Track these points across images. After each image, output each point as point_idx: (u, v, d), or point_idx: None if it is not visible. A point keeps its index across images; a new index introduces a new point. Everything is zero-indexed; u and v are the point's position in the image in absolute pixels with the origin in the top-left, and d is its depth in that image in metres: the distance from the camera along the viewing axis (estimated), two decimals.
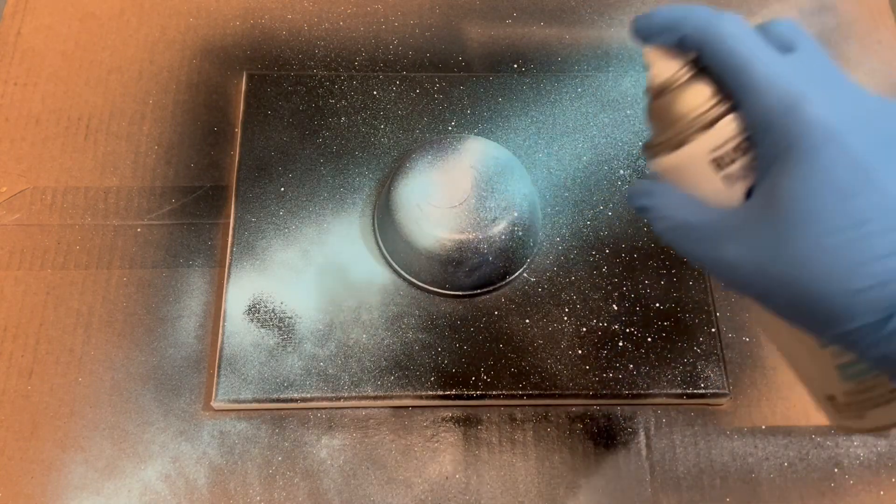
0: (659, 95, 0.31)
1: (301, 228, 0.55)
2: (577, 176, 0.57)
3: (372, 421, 0.50)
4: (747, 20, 0.29)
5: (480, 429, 0.50)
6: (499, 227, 0.51)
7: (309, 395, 0.49)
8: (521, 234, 0.52)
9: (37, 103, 0.59)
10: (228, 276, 0.53)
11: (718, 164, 0.29)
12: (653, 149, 0.31)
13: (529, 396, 0.50)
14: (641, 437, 0.50)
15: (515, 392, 0.50)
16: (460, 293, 0.53)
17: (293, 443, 0.49)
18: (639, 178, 0.33)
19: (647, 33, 0.31)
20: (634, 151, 0.58)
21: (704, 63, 0.29)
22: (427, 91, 0.60)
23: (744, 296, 0.29)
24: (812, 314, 0.27)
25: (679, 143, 0.30)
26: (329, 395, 0.50)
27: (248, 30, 0.63)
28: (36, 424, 0.49)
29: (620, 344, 0.52)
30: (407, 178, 0.52)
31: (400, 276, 0.53)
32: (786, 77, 0.27)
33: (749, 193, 0.29)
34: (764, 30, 0.29)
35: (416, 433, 0.50)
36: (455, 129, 0.58)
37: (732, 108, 0.29)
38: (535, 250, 0.54)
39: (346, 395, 0.50)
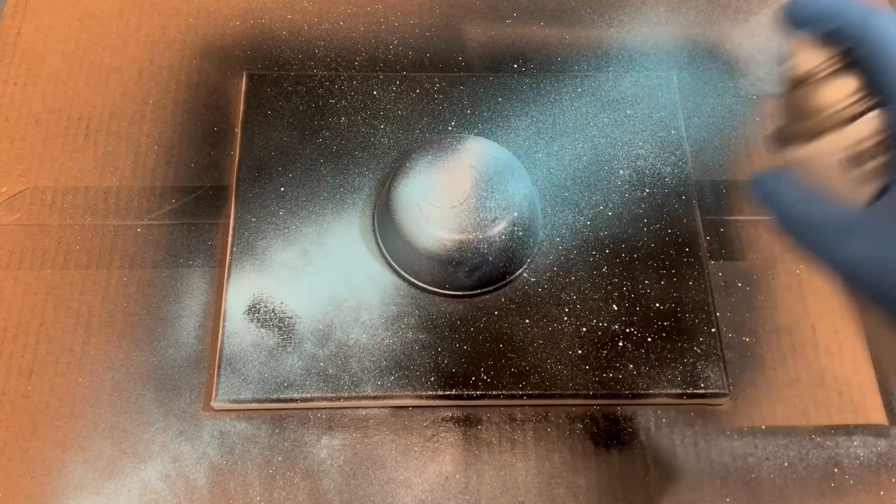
0: (800, 85, 0.30)
1: (301, 228, 0.55)
2: (577, 176, 0.57)
3: (372, 421, 0.50)
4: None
5: (480, 429, 0.50)
6: (499, 227, 0.51)
7: (309, 395, 0.49)
8: (521, 234, 0.52)
9: (37, 103, 0.59)
10: (228, 276, 0.53)
11: (853, 161, 0.29)
12: (785, 138, 0.31)
13: (529, 396, 0.50)
14: (641, 438, 0.50)
15: (515, 392, 0.50)
16: (460, 293, 0.53)
17: (293, 443, 0.49)
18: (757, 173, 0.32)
19: (800, 20, 0.30)
20: (634, 151, 0.58)
21: (855, 57, 0.29)
22: (427, 91, 0.60)
23: (862, 297, 0.29)
24: None
25: (815, 135, 0.29)
26: (329, 395, 0.50)
27: (248, 30, 0.64)
28: (36, 424, 0.49)
29: (620, 344, 0.52)
30: (407, 178, 0.52)
31: (400, 276, 0.53)
32: None
33: (879, 195, 0.28)
34: None
35: (415, 433, 0.50)
36: (455, 129, 0.58)
37: (875, 107, 0.28)
38: (535, 250, 0.54)
39: (346, 395, 0.50)
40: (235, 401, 0.49)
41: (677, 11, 0.66)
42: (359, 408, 0.51)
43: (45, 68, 0.61)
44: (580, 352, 0.51)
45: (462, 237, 0.50)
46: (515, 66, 0.63)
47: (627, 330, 0.52)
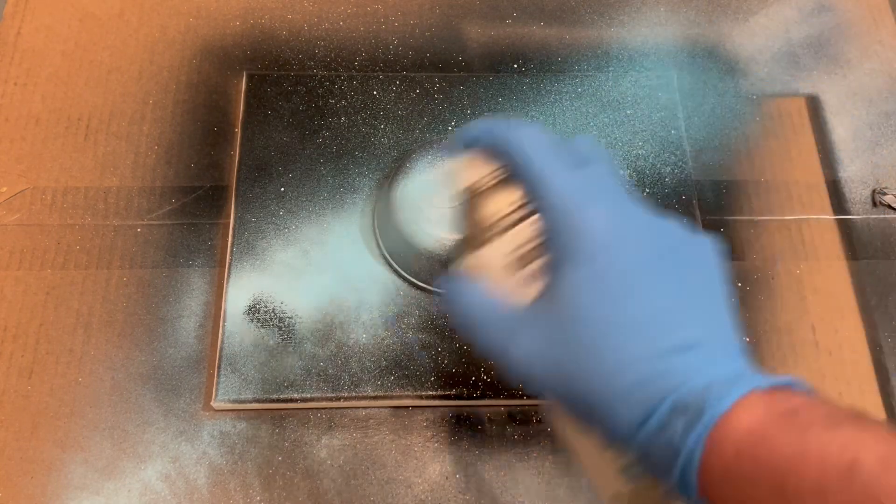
0: (469, 198, 0.33)
1: (301, 228, 0.54)
2: None
3: (372, 421, 0.50)
4: (547, 132, 0.32)
5: (480, 429, 0.50)
6: None
7: (309, 395, 0.49)
8: None
9: (37, 103, 0.59)
10: (228, 277, 0.53)
11: (517, 264, 0.31)
12: (464, 245, 0.33)
13: (529, 396, 0.50)
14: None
15: (516, 392, 0.50)
16: None
17: (293, 443, 0.49)
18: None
19: (466, 142, 0.33)
20: (634, 151, 0.58)
21: (510, 170, 0.32)
22: (427, 91, 0.60)
23: (539, 392, 0.30)
24: (585, 409, 0.29)
25: (482, 243, 0.32)
26: (329, 395, 0.50)
27: (248, 30, 0.63)
28: (36, 424, 0.49)
29: None
30: (407, 178, 0.52)
31: (400, 276, 0.53)
32: (571, 190, 0.30)
33: (541, 291, 0.31)
34: (567, 143, 0.32)
35: (416, 433, 0.50)
36: (455, 129, 0.58)
37: (532, 214, 0.31)
38: None
39: (346, 395, 0.50)
40: (235, 401, 0.49)
41: (677, 11, 0.66)
42: (359, 408, 0.51)
43: (45, 68, 0.61)
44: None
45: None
46: (515, 66, 0.63)
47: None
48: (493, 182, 0.32)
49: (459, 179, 0.33)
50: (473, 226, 0.32)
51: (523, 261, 0.31)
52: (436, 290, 0.53)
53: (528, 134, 0.31)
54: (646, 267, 0.29)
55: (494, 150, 0.32)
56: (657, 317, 0.28)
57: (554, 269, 0.30)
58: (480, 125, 0.33)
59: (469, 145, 0.34)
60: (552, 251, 0.30)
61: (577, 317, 0.28)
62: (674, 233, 0.31)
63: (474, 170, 0.33)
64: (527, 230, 0.31)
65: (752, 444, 0.25)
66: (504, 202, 0.32)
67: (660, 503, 0.32)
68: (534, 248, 0.31)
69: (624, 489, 0.32)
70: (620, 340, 0.28)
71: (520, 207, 0.31)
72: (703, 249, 0.31)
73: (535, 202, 0.31)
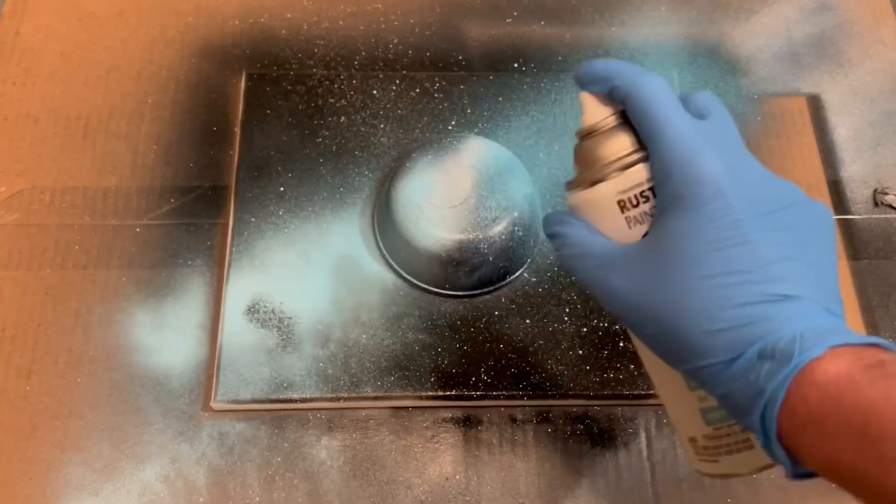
0: (585, 138, 0.34)
1: (301, 228, 0.54)
2: None
3: (372, 421, 0.50)
4: (666, 80, 0.32)
5: (481, 429, 0.50)
6: (499, 227, 0.50)
7: (309, 396, 0.49)
8: (521, 234, 0.51)
9: (35, 103, 0.59)
10: (228, 277, 0.52)
11: (624, 205, 0.32)
12: (571, 184, 0.34)
13: (530, 397, 0.50)
14: (642, 438, 0.50)
15: (516, 392, 0.50)
16: (460, 293, 0.53)
17: (293, 443, 0.49)
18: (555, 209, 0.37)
19: (583, 81, 0.34)
20: None
21: (628, 114, 0.33)
22: (427, 90, 0.60)
23: (623, 323, 0.31)
24: (674, 347, 0.30)
25: (594, 182, 0.33)
26: (329, 395, 0.49)
27: (247, 29, 0.63)
28: (35, 425, 0.49)
29: (621, 344, 0.51)
30: (407, 178, 0.52)
31: (400, 276, 0.53)
32: (690, 137, 0.30)
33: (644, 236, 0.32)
34: (686, 96, 0.33)
35: (416, 434, 0.50)
36: (455, 129, 0.58)
37: (645, 159, 0.32)
38: (535, 250, 0.54)
39: (346, 395, 0.49)
40: (235, 401, 0.49)
41: (678, 10, 0.66)
42: (359, 408, 0.50)
43: (44, 68, 0.61)
44: (581, 352, 0.51)
45: (462, 237, 0.50)
46: (516, 65, 0.63)
47: (628, 330, 0.52)
48: (611, 125, 0.33)
49: (582, 119, 0.34)
50: (587, 165, 0.34)
51: (630, 203, 0.32)
52: (436, 290, 0.53)
53: (652, 81, 0.32)
54: (757, 218, 0.29)
55: (615, 93, 0.33)
56: (762, 266, 0.29)
57: (662, 212, 0.31)
58: (601, 66, 0.33)
59: (587, 85, 0.34)
60: (660, 195, 0.31)
61: (681, 257, 0.29)
62: (790, 191, 0.32)
63: (594, 109, 0.34)
64: (637, 174, 0.32)
65: (837, 390, 0.26)
66: (619, 145, 0.33)
67: (730, 449, 0.33)
68: (641, 193, 0.32)
69: (701, 431, 0.34)
70: (721, 283, 0.29)
71: (633, 152, 0.32)
72: (819, 213, 0.32)
73: (650, 146, 0.31)
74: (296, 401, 0.49)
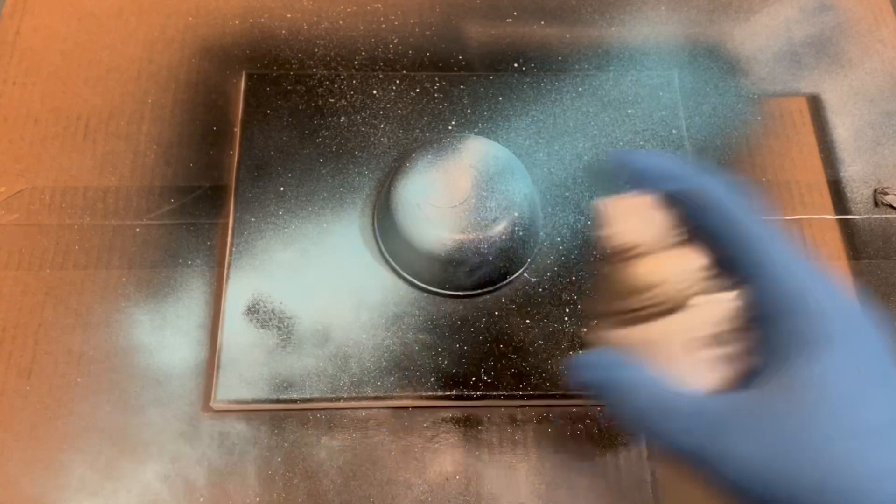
0: (630, 256, 0.26)
1: (301, 228, 0.54)
2: (577, 176, 0.57)
3: (372, 422, 0.50)
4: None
5: (481, 430, 0.50)
6: (499, 227, 0.50)
7: (309, 396, 0.49)
8: (521, 234, 0.51)
9: (35, 103, 0.59)
10: (228, 277, 0.52)
11: (706, 343, 0.25)
12: (619, 316, 0.26)
13: (530, 397, 0.50)
14: (642, 438, 0.50)
15: (516, 393, 0.50)
16: (460, 293, 0.53)
17: (293, 443, 0.49)
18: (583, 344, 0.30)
19: (629, 179, 0.26)
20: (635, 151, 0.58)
21: (697, 227, 0.25)
22: (427, 90, 0.60)
23: (741, 499, 0.24)
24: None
25: (650, 317, 0.25)
26: (329, 395, 0.49)
27: (247, 29, 0.63)
28: (34, 425, 0.49)
29: None
30: (407, 178, 0.52)
31: (400, 276, 0.53)
32: (801, 267, 0.25)
33: (743, 382, 0.25)
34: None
35: (416, 434, 0.50)
36: (455, 129, 0.58)
37: (730, 286, 0.25)
38: (535, 250, 0.54)
39: (346, 395, 0.49)
40: (235, 401, 0.49)
41: (678, 10, 0.66)
42: (359, 408, 0.50)
43: (44, 68, 0.61)
44: (581, 352, 0.51)
45: (462, 237, 0.50)
46: (516, 65, 0.63)
47: None
48: (670, 243, 0.25)
49: (615, 230, 0.26)
50: (642, 291, 0.26)
51: (721, 339, 0.25)
52: (436, 290, 0.53)
53: (728, 189, 0.25)
54: (889, 361, 0.24)
55: (675, 199, 0.25)
56: None
57: (779, 353, 0.24)
58: (655, 161, 0.26)
59: (634, 183, 0.26)
60: (775, 333, 0.25)
61: (825, 408, 0.23)
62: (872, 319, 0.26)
63: (639, 219, 0.26)
64: (730, 303, 0.25)
65: None
66: (692, 265, 0.25)
67: None
68: (733, 328, 0.25)
69: None
70: (878, 445, 0.23)
71: (716, 274, 0.25)
72: None
73: (743, 273, 0.25)
74: (296, 401, 0.49)
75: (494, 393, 0.50)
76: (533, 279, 0.54)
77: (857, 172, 0.60)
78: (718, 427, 0.24)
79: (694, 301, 0.25)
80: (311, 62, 0.62)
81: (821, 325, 0.24)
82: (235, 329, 0.51)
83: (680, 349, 0.25)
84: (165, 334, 0.52)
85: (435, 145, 0.53)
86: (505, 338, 0.52)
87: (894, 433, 0.23)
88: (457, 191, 0.51)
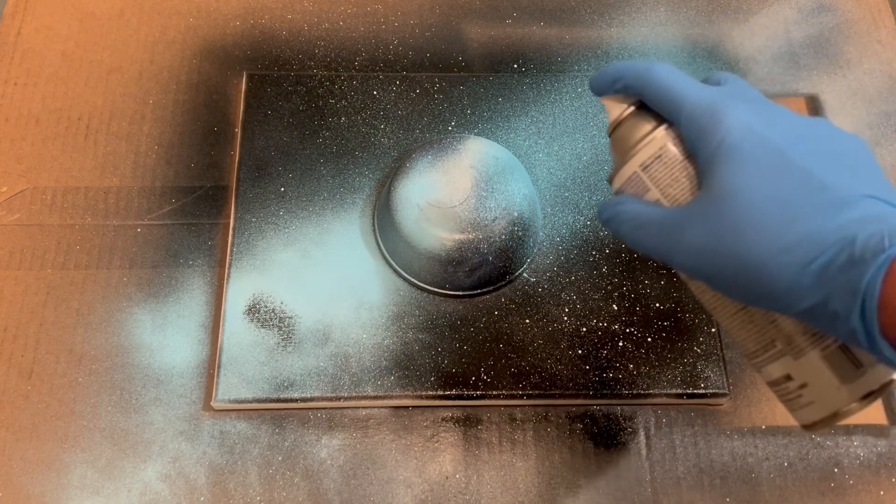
0: (613, 133, 0.37)
1: (301, 228, 0.55)
2: (577, 176, 0.57)
3: (372, 421, 0.50)
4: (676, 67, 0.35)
5: (480, 429, 0.50)
6: (499, 227, 0.51)
7: (309, 395, 0.49)
8: (521, 233, 0.52)
9: (37, 103, 0.59)
10: (228, 276, 0.53)
11: (661, 173, 0.34)
12: (612, 174, 0.37)
13: (529, 396, 0.50)
14: (641, 437, 0.51)
15: (515, 392, 0.50)
16: (460, 293, 0.53)
17: (293, 443, 0.49)
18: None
19: (598, 87, 0.37)
20: None
21: (646, 101, 0.35)
22: (427, 91, 0.60)
23: (698, 280, 0.33)
24: (754, 280, 0.30)
25: (626, 161, 0.36)
26: (329, 395, 0.50)
27: (248, 30, 0.63)
28: (36, 424, 0.49)
29: (620, 344, 0.52)
30: (407, 178, 0.52)
31: (400, 276, 0.53)
32: (711, 96, 0.33)
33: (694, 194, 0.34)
34: (704, 79, 0.36)
35: (416, 433, 0.50)
36: (455, 129, 0.58)
37: (669, 127, 0.35)
38: (535, 250, 0.54)
39: (346, 395, 0.50)
40: (235, 401, 0.49)
41: (677, 11, 0.66)
42: (359, 408, 0.51)
43: (45, 68, 0.61)
44: (580, 352, 0.51)
45: (462, 237, 0.50)
46: (515, 65, 0.63)
47: (627, 330, 0.52)
48: (630, 112, 0.36)
49: (608, 118, 0.37)
50: (620, 152, 0.36)
51: (668, 167, 0.34)
52: (436, 290, 0.53)
53: (660, 67, 0.34)
54: (797, 147, 0.31)
55: (629, 89, 0.35)
56: (818, 182, 0.30)
57: (706, 169, 0.32)
58: (610, 70, 0.36)
59: (603, 90, 0.36)
60: (700, 153, 0.32)
61: (738, 198, 0.30)
62: (821, 125, 0.33)
63: (614, 107, 0.37)
64: (665, 139, 0.34)
65: None
66: (642, 123, 0.35)
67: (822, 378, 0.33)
68: (676, 156, 0.34)
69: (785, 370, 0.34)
70: (782, 205, 0.30)
71: (657, 124, 0.35)
72: (853, 139, 0.33)
73: (676, 118, 0.33)
74: (296, 400, 0.50)
75: (494, 392, 0.50)
76: (532, 279, 0.54)
77: None
78: (671, 228, 0.33)
79: (647, 143, 0.35)
80: (312, 63, 0.62)
81: (723, 138, 0.31)
82: (236, 329, 0.51)
83: (646, 182, 0.35)
84: (166, 334, 0.52)
85: (435, 145, 0.53)
86: (504, 337, 0.52)
87: (791, 201, 0.30)
88: (457, 191, 0.51)
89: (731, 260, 0.30)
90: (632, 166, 0.35)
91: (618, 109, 0.36)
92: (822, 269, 0.28)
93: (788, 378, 0.34)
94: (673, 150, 0.34)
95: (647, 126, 0.35)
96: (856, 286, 0.27)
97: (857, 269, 0.27)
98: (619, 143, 0.36)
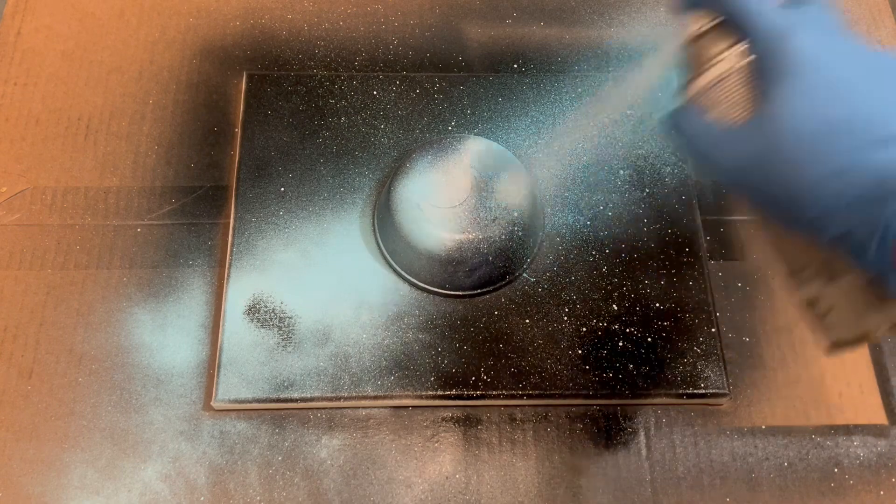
0: (690, 45, 0.37)
1: (301, 228, 0.55)
2: (577, 176, 0.57)
3: (372, 421, 0.50)
4: None
5: (480, 429, 0.50)
6: (499, 227, 0.51)
7: (309, 395, 0.49)
8: (521, 234, 0.52)
9: (37, 103, 0.59)
10: (228, 276, 0.53)
11: (728, 89, 0.35)
12: (686, 81, 0.38)
13: (529, 396, 0.50)
14: (641, 437, 0.51)
15: (515, 392, 0.50)
16: (460, 293, 0.53)
17: (293, 443, 0.49)
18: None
19: (685, 4, 0.37)
20: (635, 151, 0.58)
21: (726, 19, 0.36)
22: (427, 91, 0.60)
23: (740, 194, 0.35)
24: (794, 199, 0.31)
25: (699, 75, 0.36)
26: (329, 395, 0.50)
27: (248, 30, 0.64)
28: (36, 424, 0.49)
29: (620, 344, 0.52)
30: (407, 178, 0.52)
31: (400, 276, 0.53)
32: (783, 18, 0.33)
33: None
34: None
35: (416, 433, 0.50)
36: (455, 129, 0.58)
37: (741, 47, 0.35)
38: (535, 250, 0.54)
39: (346, 395, 0.50)
40: (235, 401, 0.49)
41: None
42: (359, 408, 0.51)
43: (45, 68, 0.61)
44: (580, 352, 0.51)
45: (462, 237, 0.50)
46: (515, 65, 0.63)
47: (627, 330, 0.52)
48: (709, 26, 0.36)
49: (687, 32, 0.38)
50: (695, 64, 0.37)
51: (735, 86, 0.35)
52: (436, 290, 0.53)
53: None
54: (854, 79, 0.31)
55: (712, 4, 0.36)
56: (865, 117, 0.30)
57: (765, 86, 0.33)
58: None
59: (689, 7, 0.37)
60: (762, 71, 0.33)
61: (785, 124, 0.31)
62: (885, 56, 0.33)
63: (696, 20, 0.37)
64: (737, 58, 0.35)
65: None
66: (718, 39, 0.36)
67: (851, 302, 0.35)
68: (743, 75, 0.35)
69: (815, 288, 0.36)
70: (827, 136, 0.30)
71: (733, 44, 0.35)
72: None
73: (747, 36, 0.34)
74: (296, 400, 0.50)
75: (494, 392, 0.50)
76: (532, 279, 0.54)
77: None
78: (726, 141, 0.34)
79: (722, 61, 0.35)
80: (312, 63, 0.62)
81: (785, 61, 0.32)
82: (236, 329, 0.51)
83: (713, 97, 0.36)
84: (166, 334, 0.52)
85: (435, 145, 0.53)
86: (504, 337, 0.52)
87: (842, 128, 0.30)
88: (457, 191, 0.51)
89: (774, 178, 0.32)
90: (705, 79, 0.36)
91: (700, 22, 0.37)
92: (854, 200, 0.30)
93: (821, 299, 0.35)
94: (745, 67, 0.35)
95: (726, 42, 0.36)
96: (879, 219, 0.29)
97: (884, 203, 0.29)
98: (696, 55, 0.37)
